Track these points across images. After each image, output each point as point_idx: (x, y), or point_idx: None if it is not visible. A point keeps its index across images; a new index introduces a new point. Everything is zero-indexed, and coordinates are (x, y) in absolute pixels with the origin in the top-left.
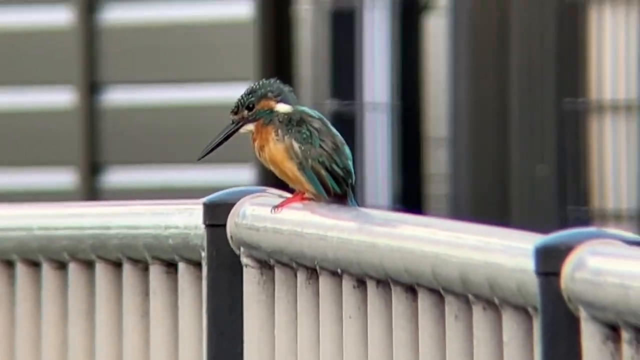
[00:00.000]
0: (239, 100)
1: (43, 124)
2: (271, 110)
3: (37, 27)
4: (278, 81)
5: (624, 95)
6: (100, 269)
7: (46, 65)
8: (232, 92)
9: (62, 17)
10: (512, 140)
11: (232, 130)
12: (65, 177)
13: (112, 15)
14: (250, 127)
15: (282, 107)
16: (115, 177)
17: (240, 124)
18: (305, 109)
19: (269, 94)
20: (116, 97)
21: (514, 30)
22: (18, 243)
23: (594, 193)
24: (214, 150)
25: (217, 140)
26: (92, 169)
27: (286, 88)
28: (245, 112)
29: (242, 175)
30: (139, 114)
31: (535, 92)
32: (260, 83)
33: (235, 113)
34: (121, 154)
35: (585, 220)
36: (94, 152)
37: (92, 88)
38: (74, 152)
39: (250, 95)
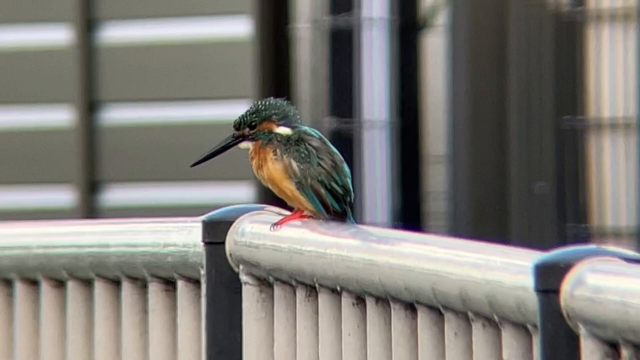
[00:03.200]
0: (243, 116)
1: (42, 142)
2: (271, 132)
3: (35, 47)
4: (285, 102)
5: (622, 113)
6: (99, 287)
7: (45, 84)
8: (231, 110)
9: (61, 36)
10: (510, 158)
11: (230, 143)
12: (64, 196)
13: (110, 34)
14: (249, 144)
15: (283, 130)
16: (114, 195)
17: (240, 139)
18: (306, 128)
19: (273, 117)
20: (115, 115)
21: (512, 48)
22: (17, 261)
23: (592, 210)
24: (209, 159)
25: (214, 149)
26: (91, 187)
27: (292, 110)
28: (247, 129)
29: (241, 193)
30: (137, 132)
31: (533, 110)
32: (267, 104)
33: (237, 128)
34: (120, 172)
35: (584, 238)
36: (92, 170)
37: (90, 106)
38: (72, 170)
39: (254, 115)
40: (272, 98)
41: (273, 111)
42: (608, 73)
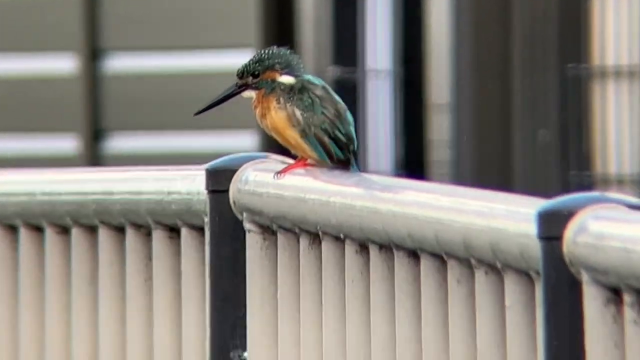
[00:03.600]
0: (246, 65)
1: (46, 90)
2: (274, 81)
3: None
4: (289, 51)
5: (626, 60)
6: (103, 234)
7: (49, 33)
8: (234, 59)
9: None
10: (514, 106)
11: (234, 92)
12: (68, 143)
13: None
14: (252, 93)
15: (286, 79)
16: (118, 143)
17: (243, 88)
18: (309, 77)
19: (276, 66)
20: (118, 63)
21: None
22: (21, 208)
23: (596, 158)
24: (212, 107)
25: (217, 98)
26: (95, 135)
27: (295, 59)
28: (250, 78)
29: (245, 141)
30: (141, 80)
31: (537, 58)
32: (270, 52)
33: (240, 77)
34: (124, 121)
35: (587, 185)
36: (96, 118)
37: (94, 54)
38: (76, 118)
39: (257, 64)
40: (275, 47)
41: (276, 60)
42: (612, 19)
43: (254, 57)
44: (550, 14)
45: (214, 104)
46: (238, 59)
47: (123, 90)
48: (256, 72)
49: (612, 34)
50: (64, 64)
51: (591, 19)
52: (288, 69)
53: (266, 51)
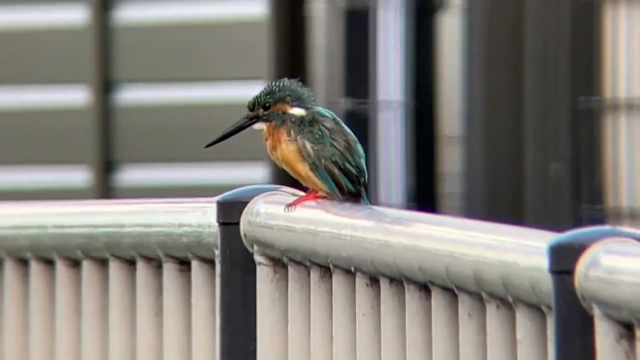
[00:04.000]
0: (257, 97)
1: (58, 122)
2: (284, 113)
3: (51, 27)
4: (299, 83)
5: (639, 93)
6: (114, 266)
7: (61, 64)
8: (246, 91)
9: (77, 16)
10: (526, 139)
11: (244, 124)
12: (79, 176)
13: (126, 15)
14: (262, 125)
15: (297, 111)
16: (129, 175)
17: (254, 120)
18: (320, 109)
19: (287, 98)
20: (130, 95)
21: (529, 29)
22: (32, 241)
23: (608, 191)
24: (223, 139)
25: (228, 130)
26: (106, 167)
27: (306, 91)
28: (261, 110)
29: (256, 173)
30: (153, 112)
31: (549, 90)
32: (281, 85)
33: (251, 109)
34: (135, 153)
35: (599, 219)
36: (108, 150)
37: (106, 86)
38: (88, 151)
39: (268, 96)
40: (286, 79)
41: (287, 92)
42: (625, 53)
43: (265, 89)
44: (562, 46)
45: (225, 136)
46: (250, 91)
47: (135, 122)
48: (267, 105)
49: (624, 66)
50: (76, 96)
51: (603, 52)
52: (299, 101)
53: (277, 83)
